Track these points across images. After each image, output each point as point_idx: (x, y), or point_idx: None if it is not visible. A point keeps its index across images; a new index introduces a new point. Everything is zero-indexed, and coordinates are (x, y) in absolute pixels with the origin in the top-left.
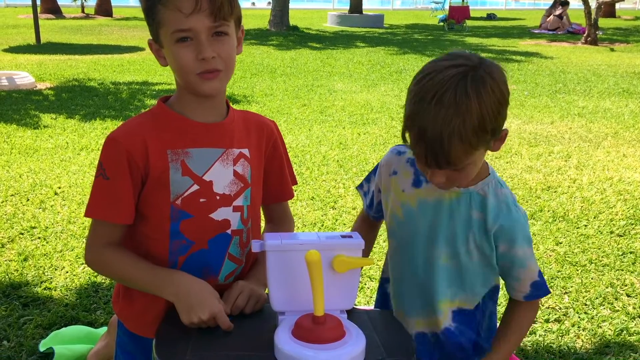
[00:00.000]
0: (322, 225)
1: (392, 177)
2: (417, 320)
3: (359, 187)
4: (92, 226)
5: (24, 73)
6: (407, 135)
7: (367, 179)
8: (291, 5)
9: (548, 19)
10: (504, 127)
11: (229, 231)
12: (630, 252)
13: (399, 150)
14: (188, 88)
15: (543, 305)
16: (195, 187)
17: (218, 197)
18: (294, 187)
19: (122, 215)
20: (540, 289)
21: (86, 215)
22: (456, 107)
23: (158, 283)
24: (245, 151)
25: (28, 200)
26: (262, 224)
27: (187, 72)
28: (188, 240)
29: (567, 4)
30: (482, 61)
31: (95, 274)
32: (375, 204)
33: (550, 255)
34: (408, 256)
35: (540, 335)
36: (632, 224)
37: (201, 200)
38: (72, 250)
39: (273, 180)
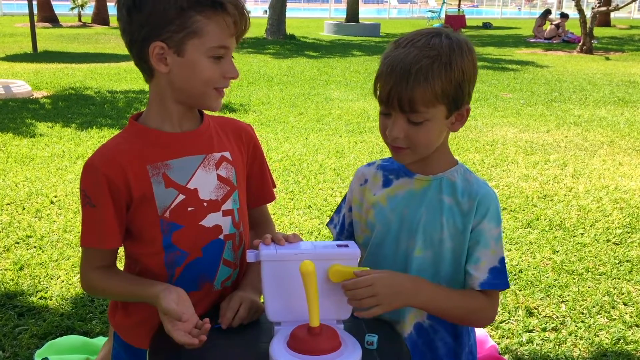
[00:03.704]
0: (319, 234)
1: (362, 186)
2: (394, 322)
3: (329, 223)
4: (82, 253)
5: (21, 81)
6: (378, 83)
7: (338, 211)
8: (288, 14)
9: (544, 28)
10: (466, 105)
11: (221, 237)
12: (627, 261)
13: (368, 164)
14: (189, 99)
15: (540, 314)
16: (181, 197)
17: (205, 204)
18: (291, 198)
19: (109, 240)
20: (498, 277)
21: (82, 245)
22: (427, 50)
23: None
24: (227, 154)
25: (24, 209)
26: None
27: (207, 84)
28: (182, 251)
29: (567, 16)
30: (461, 34)
31: None
32: (346, 226)
33: (547, 264)
34: (381, 255)
35: (537, 344)
36: (629, 232)
37: (189, 209)
38: (68, 259)
39: (255, 183)
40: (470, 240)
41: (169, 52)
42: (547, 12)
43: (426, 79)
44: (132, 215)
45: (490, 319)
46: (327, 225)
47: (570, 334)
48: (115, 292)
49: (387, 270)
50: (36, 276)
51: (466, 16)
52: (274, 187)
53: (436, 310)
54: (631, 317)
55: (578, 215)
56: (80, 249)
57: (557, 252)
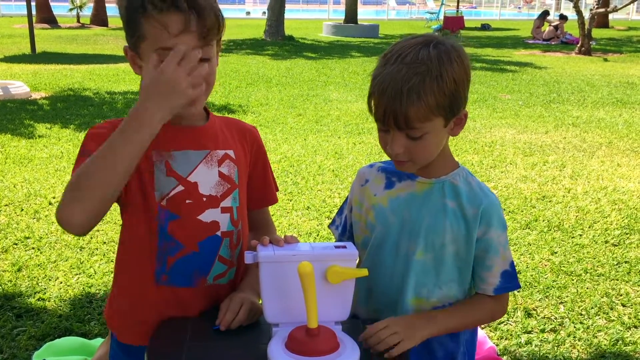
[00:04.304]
0: (318, 235)
1: (363, 186)
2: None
3: (331, 224)
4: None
5: (19, 82)
6: (372, 101)
7: (339, 213)
8: (286, 16)
9: (542, 29)
10: (463, 109)
11: (218, 233)
12: (625, 262)
13: (369, 165)
14: None
15: (539, 315)
16: (180, 187)
17: (204, 199)
18: (289, 199)
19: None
20: (510, 280)
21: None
22: (416, 66)
23: (127, 125)
24: (231, 152)
25: (22, 210)
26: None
27: None
28: (178, 243)
29: (565, 18)
30: (448, 39)
31: (90, 284)
32: (348, 227)
33: (545, 265)
34: (380, 257)
35: (536, 345)
36: (627, 234)
37: (187, 201)
38: (66, 260)
39: (257, 185)
40: (478, 249)
41: (134, 54)
42: (546, 13)
43: (419, 97)
44: (133, 190)
45: (502, 315)
46: (328, 226)
47: (568, 335)
48: (97, 162)
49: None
50: (34, 277)
51: (464, 17)
52: (277, 190)
53: (453, 330)
54: (629, 318)
55: (576, 216)
56: (79, 250)
57: (556, 253)
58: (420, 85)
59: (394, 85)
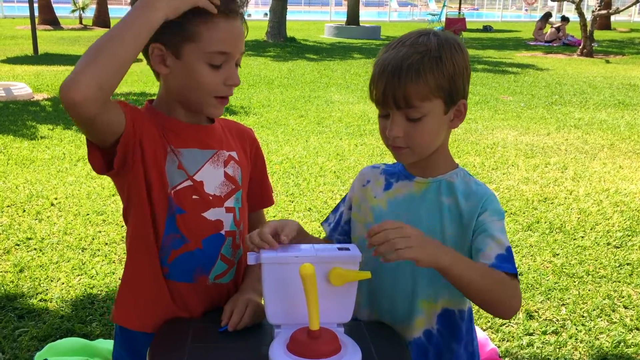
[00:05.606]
0: (320, 237)
1: (364, 187)
2: (399, 327)
3: (324, 222)
4: None
5: (22, 84)
6: (372, 85)
7: (334, 211)
8: (288, 17)
9: (544, 31)
10: (463, 100)
11: (222, 232)
12: (627, 264)
13: (372, 165)
14: (189, 104)
15: (541, 317)
16: (188, 182)
17: (210, 197)
18: (291, 201)
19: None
20: (505, 262)
21: None
22: (417, 46)
23: (134, 10)
24: (234, 154)
25: (24, 211)
26: None
27: (207, 93)
28: (183, 236)
29: (567, 20)
30: (448, 33)
31: (92, 285)
32: (342, 223)
33: (547, 267)
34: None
35: (537, 347)
36: (629, 235)
37: (194, 197)
38: (68, 261)
39: (256, 186)
40: (474, 234)
41: (168, 53)
42: (548, 15)
43: (418, 74)
44: (149, 167)
45: (517, 303)
46: (321, 224)
47: (570, 337)
48: (105, 36)
49: None
50: (36, 278)
51: (466, 19)
52: (272, 192)
53: (465, 281)
54: (631, 320)
55: (578, 218)
56: (81, 251)
57: (558, 255)
58: (420, 63)
59: (394, 64)
